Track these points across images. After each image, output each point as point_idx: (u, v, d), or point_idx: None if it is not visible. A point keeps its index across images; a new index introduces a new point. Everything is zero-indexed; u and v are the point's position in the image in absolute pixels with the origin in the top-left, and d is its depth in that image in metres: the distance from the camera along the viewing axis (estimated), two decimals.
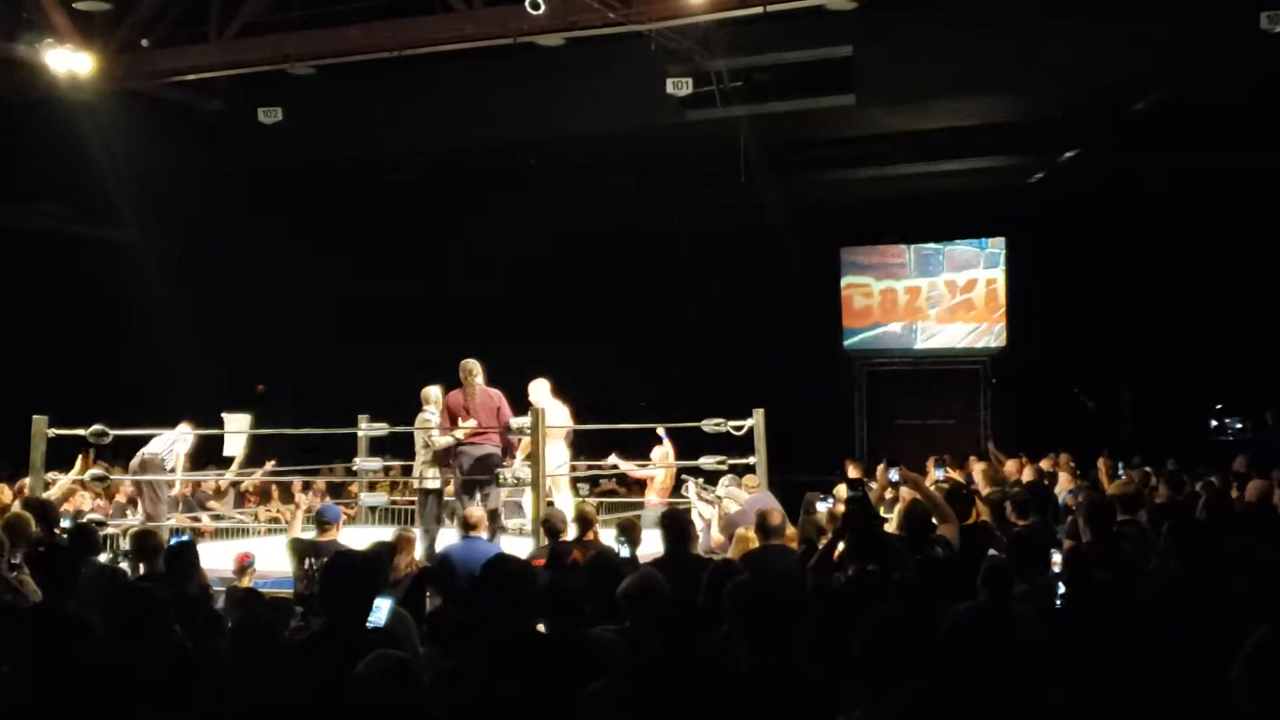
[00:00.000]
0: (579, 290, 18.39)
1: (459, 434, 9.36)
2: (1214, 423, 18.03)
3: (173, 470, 10.83)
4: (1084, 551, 6.04)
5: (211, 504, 12.49)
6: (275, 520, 11.90)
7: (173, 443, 10.77)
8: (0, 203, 15.44)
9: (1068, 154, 15.37)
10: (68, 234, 16.44)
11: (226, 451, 11.64)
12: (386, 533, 8.39)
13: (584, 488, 11.95)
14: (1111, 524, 6.41)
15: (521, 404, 9.89)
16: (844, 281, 19.46)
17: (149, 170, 14.30)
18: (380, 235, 17.77)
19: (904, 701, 3.42)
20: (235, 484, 12.53)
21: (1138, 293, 16.59)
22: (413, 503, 10.90)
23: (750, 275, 17.99)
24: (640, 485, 12.72)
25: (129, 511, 11.13)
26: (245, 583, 7.19)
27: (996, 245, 18.78)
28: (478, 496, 9.22)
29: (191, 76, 12.69)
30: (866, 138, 15.54)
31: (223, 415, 11.50)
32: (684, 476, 10.78)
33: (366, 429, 11.35)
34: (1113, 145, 14.89)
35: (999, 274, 18.74)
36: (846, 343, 19.46)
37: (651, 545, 7.28)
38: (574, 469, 11.59)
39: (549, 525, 7.61)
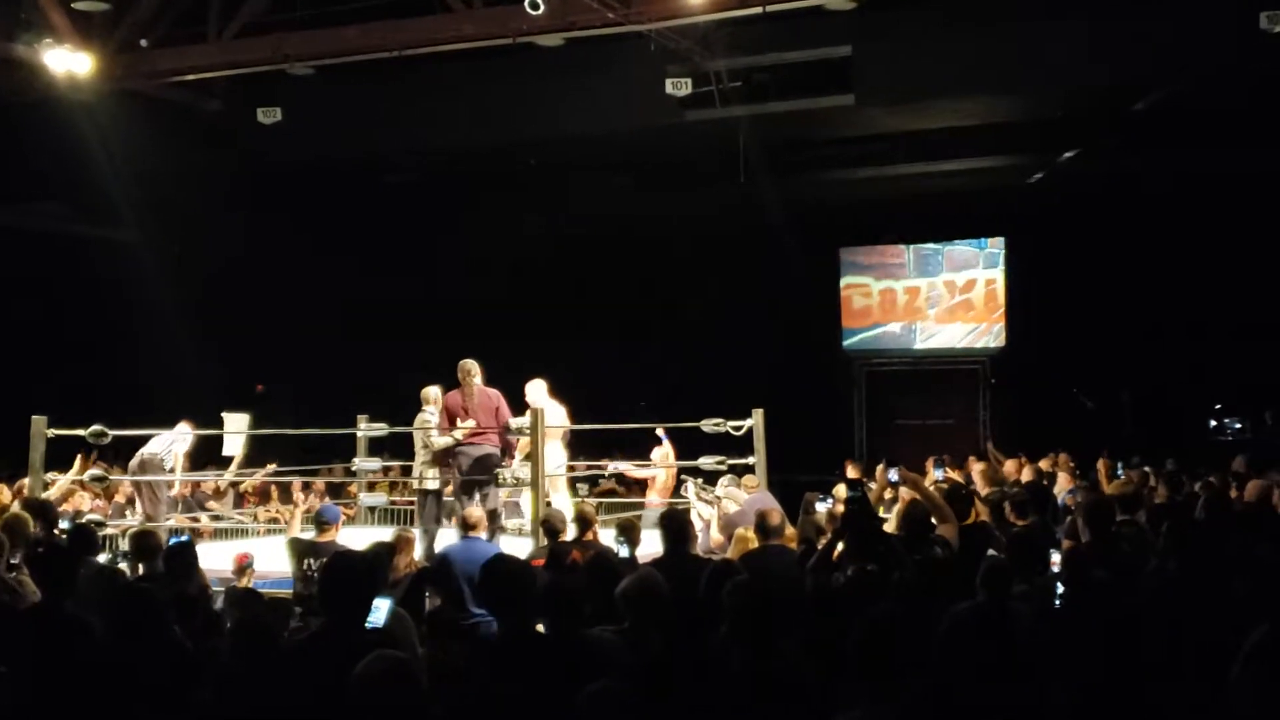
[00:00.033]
0: (578, 290, 18.39)
1: (458, 434, 9.36)
2: (1213, 423, 18.03)
3: (172, 470, 10.83)
4: (1083, 551, 6.04)
5: (211, 504, 12.49)
6: (274, 521, 11.90)
7: (171, 443, 10.78)
8: (0, 203, 15.45)
9: (1067, 154, 15.37)
10: (67, 234, 16.44)
11: (225, 451, 11.64)
12: (386, 533, 8.39)
13: (583, 488, 11.94)
14: (1110, 524, 6.41)
15: (518, 404, 9.89)
16: (843, 282, 19.46)
17: (148, 170, 14.30)
18: (379, 235, 17.77)
19: (903, 702, 3.42)
20: (235, 484, 12.52)
21: (1137, 293, 16.59)
22: (412, 503, 10.90)
23: (750, 275, 17.99)
24: (640, 485, 12.72)
25: (128, 512, 11.13)
26: (244, 583, 7.19)
27: (996, 245, 18.78)
28: (477, 497, 9.22)
29: (191, 77, 12.68)
30: (866, 138, 15.54)
31: (223, 415, 11.50)
32: (683, 477, 10.78)
33: (365, 429, 11.35)
34: (1112, 145, 14.89)
35: (998, 274, 18.74)
36: (846, 343, 19.46)
37: (651, 545, 7.28)
38: (572, 469, 11.59)
39: (548, 525, 7.61)
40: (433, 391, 10.09)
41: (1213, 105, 13.56)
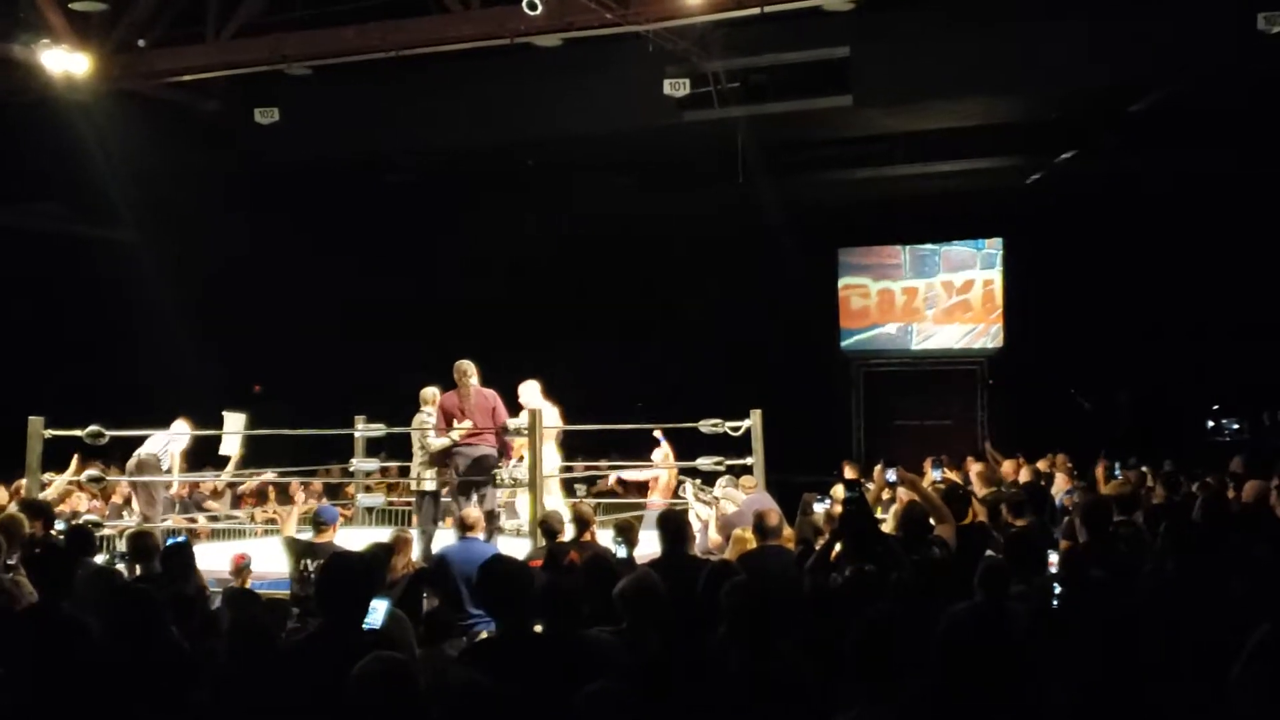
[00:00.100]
0: (577, 291, 18.39)
1: (455, 435, 9.35)
2: (1211, 423, 18.04)
3: (169, 470, 10.82)
4: (1080, 552, 6.05)
5: (209, 504, 12.49)
6: (272, 521, 11.90)
7: (167, 443, 10.77)
8: None
9: (1065, 155, 15.37)
10: (65, 234, 16.42)
11: (222, 450, 11.62)
12: (383, 534, 8.39)
13: (581, 489, 11.94)
14: (1108, 524, 6.42)
15: (513, 405, 9.88)
16: (841, 282, 19.47)
17: (146, 171, 14.29)
18: (378, 236, 17.76)
19: (901, 702, 3.42)
20: (232, 485, 12.52)
21: (1135, 294, 16.60)
22: (409, 504, 10.90)
23: (748, 276, 17.99)
24: (640, 487, 12.70)
25: (125, 512, 11.13)
26: (242, 584, 7.18)
27: (993, 246, 18.79)
28: (474, 498, 9.21)
29: (188, 77, 12.67)
30: (864, 138, 15.54)
31: (224, 414, 11.49)
32: (681, 477, 10.78)
33: (363, 429, 11.34)
34: (1110, 146, 14.90)
35: (996, 275, 18.76)
36: (844, 343, 19.46)
37: (649, 546, 7.28)
38: (570, 469, 11.58)
39: (546, 526, 7.61)
40: (431, 392, 10.09)
41: (1211, 106, 13.57)
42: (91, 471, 10.47)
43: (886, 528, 7.13)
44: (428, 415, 10.01)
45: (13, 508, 7.81)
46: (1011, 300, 18.50)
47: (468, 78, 13.68)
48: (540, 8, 10.11)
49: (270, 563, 8.19)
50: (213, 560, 8.29)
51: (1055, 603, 5.09)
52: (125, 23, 11.95)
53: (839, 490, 9.05)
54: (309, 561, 7.27)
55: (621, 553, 6.73)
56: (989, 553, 6.04)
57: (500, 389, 9.71)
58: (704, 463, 10.18)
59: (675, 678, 3.86)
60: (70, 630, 4.60)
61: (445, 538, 8.76)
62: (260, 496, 13.28)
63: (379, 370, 15.81)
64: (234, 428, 11.41)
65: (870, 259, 19.48)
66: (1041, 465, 12.08)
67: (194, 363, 15.74)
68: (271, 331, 17.01)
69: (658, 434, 11.68)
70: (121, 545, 8.48)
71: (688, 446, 11.01)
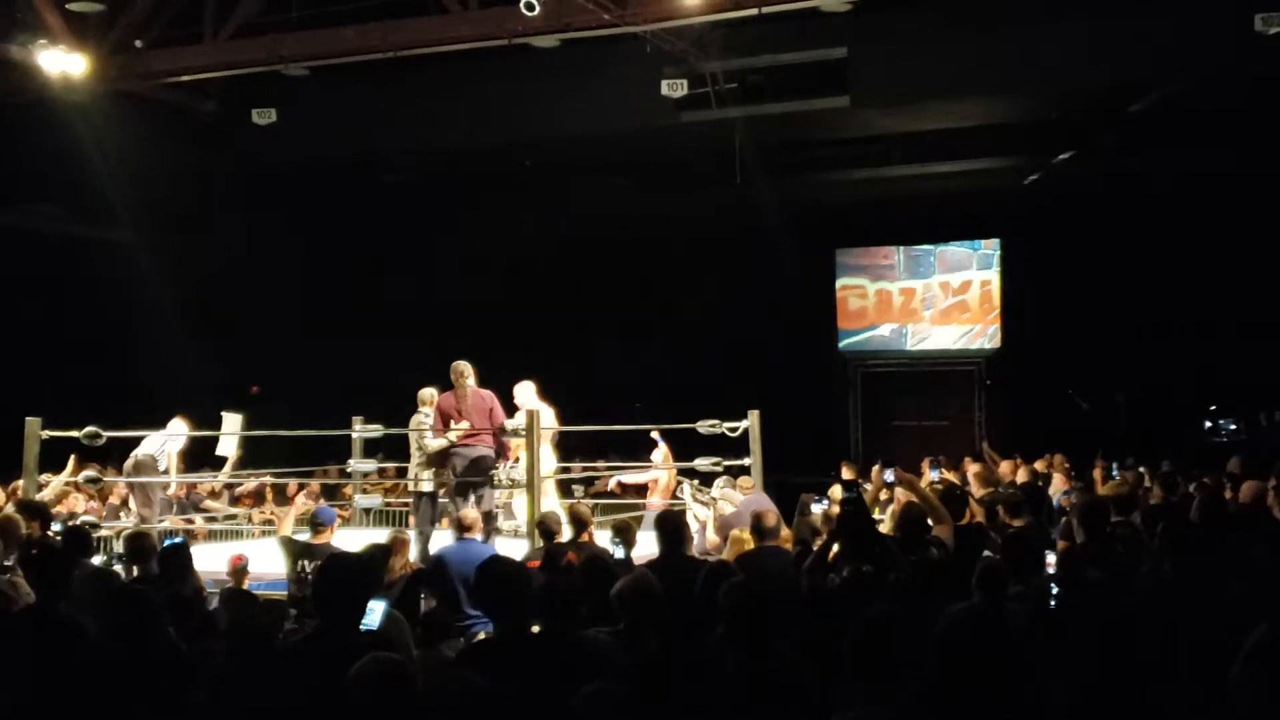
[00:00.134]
0: (575, 291, 18.38)
1: (452, 436, 9.34)
2: (1208, 424, 18.05)
3: (166, 471, 10.80)
4: (1078, 552, 6.04)
5: (208, 503, 12.47)
6: (269, 522, 11.88)
7: (163, 443, 10.75)
8: None
9: (1063, 155, 15.39)
10: (63, 235, 16.41)
11: (219, 451, 11.61)
12: (381, 535, 8.38)
13: (579, 489, 11.93)
14: (1105, 525, 6.42)
15: (509, 405, 9.87)
16: (839, 283, 19.47)
17: (143, 171, 14.29)
18: (376, 236, 17.76)
19: (899, 703, 3.41)
20: (229, 486, 12.50)
21: (1132, 294, 16.61)
22: (407, 504, 10.88)
23: (745, 277, 17.99)
24: (639, 488, 12.68)
25: (123, 513, 11.11)
26: (239, 584, 7.18)
27: (990, 246, 18.80)
28: (472, 499, 9.20)
29: (186, 78, 12.68)
30: (861, 139, 15.55)
31: (223, 414, 11.47)
32: (679, 478, 10.77)
33: (361, 430, 11.33)
34: (1108, 147, 14.91)
35: (993, 275, 18.77)
36: (841, 344, 19.46)
37: (647, 547, 7.28)
38: (567, 470, 11.56)
39: (544, 527, 7.60)
40: (429, 393, 10.07)
41: (1208, 106, 13.58)
42: (89, 472, 10.46)
43: (884, 528, 7.13)
44: (425, 416, 10.00)
45: (10, 509, 7.80)
46: (1009, 301, 18.50)
47: (465, 78, 13.68)
48: (538, 8, 10.12)
49: (268, 563, 8.18)
50: (210, 561, 8.28)
51: (1053, 603, 5.08)
52: (122, 23, 11.95)
53: (836, 491, 9.01)
54: (306, 563, 7.26)
55: (619, 553, 6.72)
56: (987, 553, 6.04)
57: (498, 389, 9.70)
58: (702, 463, 10.17)
59: (673, 678, 3.86)
60: (67, 631, 4.59)
61: (443, 539, 8.75)
62: (258, 497, 13.27)
63: (377, 371, 15.81)
64: (232, 429, 11.39)
65: (868, 260, 19.49)
66: (1039, 466, 12.08)
67: (192, 363, 15.74)
68: (269, 332, 17.01)
69: (655, 435, 11.67)
70: (119, 546, 8.47)
71: (685, 447, 11.00)
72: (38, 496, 9.07)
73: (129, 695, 4.09)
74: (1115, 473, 11.29)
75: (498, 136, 14.30)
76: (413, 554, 8.02)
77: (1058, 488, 11.10)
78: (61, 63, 11.35)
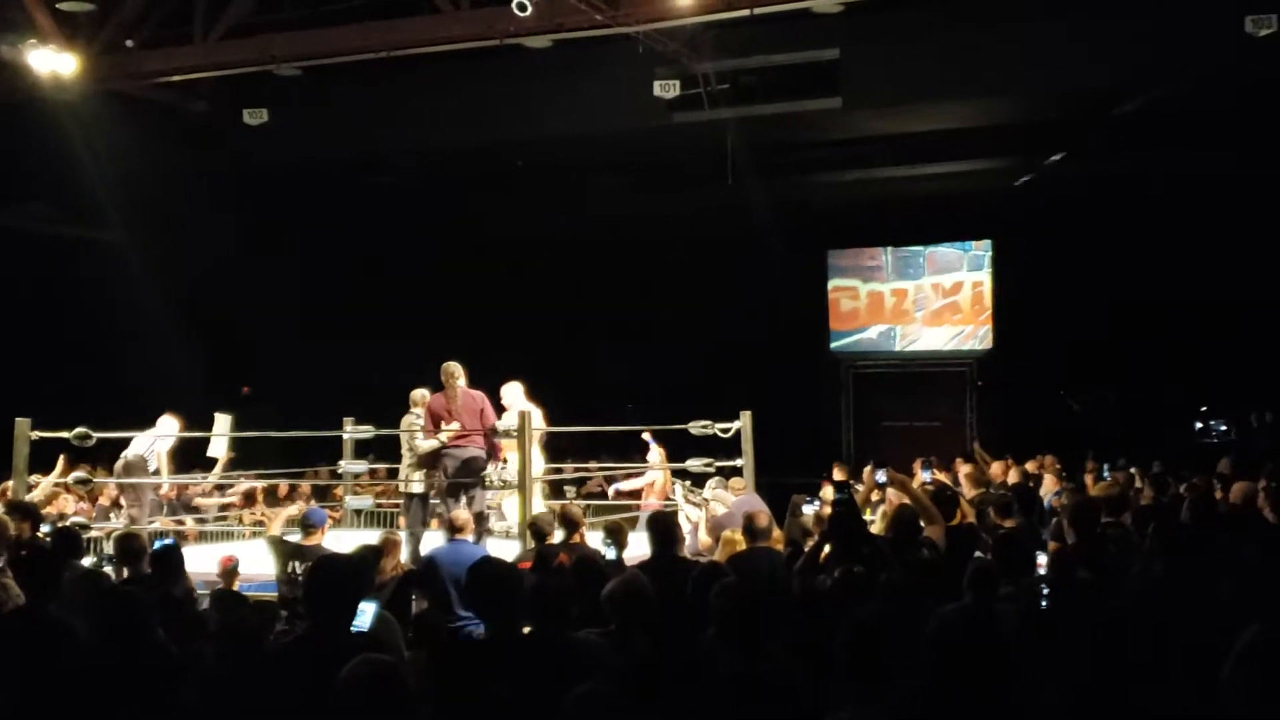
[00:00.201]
0: (566, 291, 18.38)
1: (443, 437, 9.32)
2: (1199, 425, 18.11)
3: (156, 471, 10.77)
4: (1069, 553, 6.05)
5: (199, 502, 12.42)
6: (260, 524, 11.84)
7: (152, 442, 10.71)
8: None
9: (1054, 157, 15.42)
10: (52, 235, 16.37)
11: (210, 452, 11.58)
12: (372, 536, 8.36)
13: (571, 490, 11.92)
14: (1096, 526, 6.43)
15: (497, 406, 9.84)
16: (830, 284, 19.50)
17: (134, 171, 14.25)
18: (367, 237, 17.74)
19: (890, 703, 3.42)
20: (220, 487, 12.46)
21: (1123, 295, 16.65)
22: (398, 505, 10.86)
23: (737, 278, 18.01)
24: (635, 493, 12.67)
25: (113, 514, 11.07)
26: (230, 586, 7.15)
27: (981, 248, 18.84)
28: (463, 500, 9.19)
29: (176, 78, 12.63)
30: (853, 140, 15.56)
31: (215, 415, 11.43)
32: (671, 479, 10.76)
33: (351, 431, 11.30)
34: (1099, 148, 14.94)
35: (985, 277, 18.81)
36: (833, 345, 19.49)
37: (639, 548, 7.27)
38: (559, 471, 11.55)
39: (535, 528, 7.59)
40: (420, 394, 10.05)
41: (1199, 108, 13.60)
42: (78, 473, 10.42)
43: (876, 529, 7.13)
44: (416, 417, 9.98)
45: None
46: (1000, 302, 18.54)
47: (457, 79, 13.66)
48: (530, 9, 10.11)
49: (258, 565, 8.16)
50: (201, 562, 8.26)
51: (1044, 604, 5.10)
52: (113, 23, 11.91)
53: (828, 492, 9.06)
54: (297, 564, 7.24)
55: (611, 554, 6.72)
56: (978, 554, 6.05)
57: (489, 390, 9.68)
58: (694, 464, 10.17)
59: (664, 679, 3.86)
60: (57, 632, 4.58)
61: (434, 540, 8.74)
62: (249, 498, 13.22)
63: (367, 371, 15.79)
64: (222, 430, 11.36)
65: (860, 261, 19.52)
66: (1030, 466, 12.10)
67: (182, 364, 15.69)
68: (259, 333, 16.97)
69: (646, 436, 11.66)
70: (109, 547, 8.44)
71: (677, 448, 11.00)
72: (27, 497, 9.04)
73: (119, 697, 4.07)
74: (1106, 473, 11.32)
75: (489, 137, 14.29)
76: (404, 555, 8.00)
77: (1049, 488, 11.10)
78: (52, 62, 11.32)
